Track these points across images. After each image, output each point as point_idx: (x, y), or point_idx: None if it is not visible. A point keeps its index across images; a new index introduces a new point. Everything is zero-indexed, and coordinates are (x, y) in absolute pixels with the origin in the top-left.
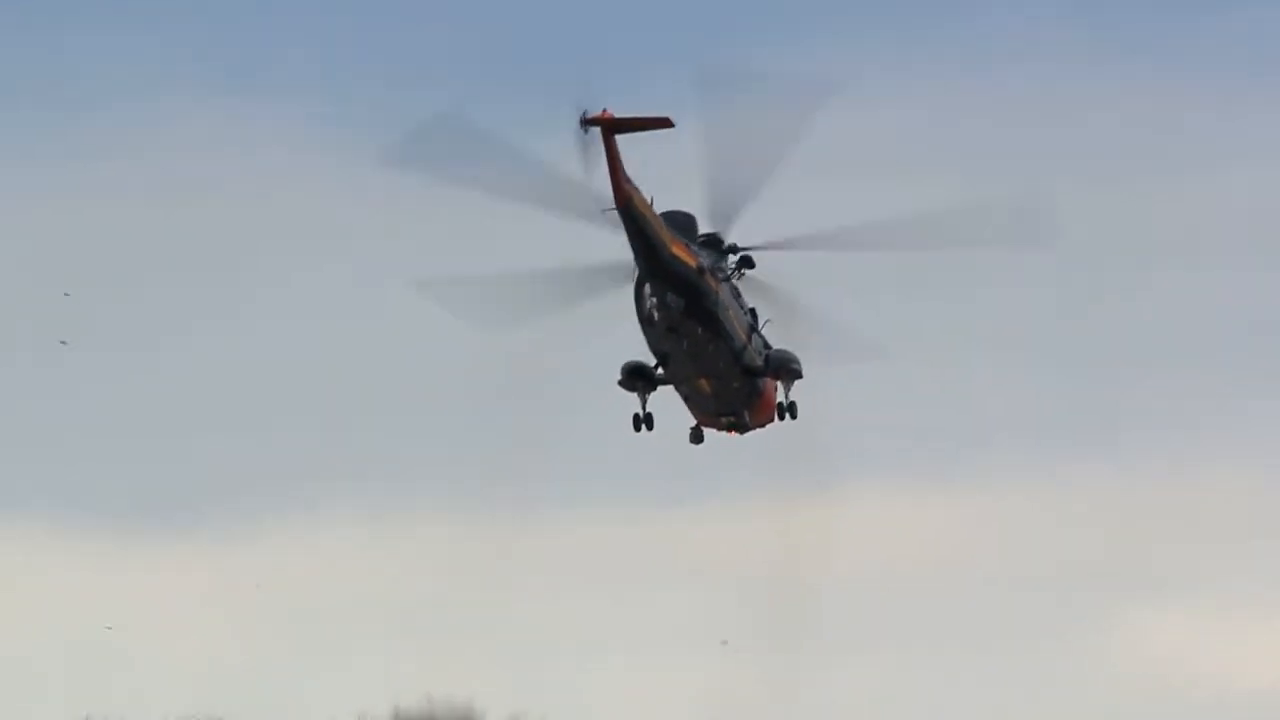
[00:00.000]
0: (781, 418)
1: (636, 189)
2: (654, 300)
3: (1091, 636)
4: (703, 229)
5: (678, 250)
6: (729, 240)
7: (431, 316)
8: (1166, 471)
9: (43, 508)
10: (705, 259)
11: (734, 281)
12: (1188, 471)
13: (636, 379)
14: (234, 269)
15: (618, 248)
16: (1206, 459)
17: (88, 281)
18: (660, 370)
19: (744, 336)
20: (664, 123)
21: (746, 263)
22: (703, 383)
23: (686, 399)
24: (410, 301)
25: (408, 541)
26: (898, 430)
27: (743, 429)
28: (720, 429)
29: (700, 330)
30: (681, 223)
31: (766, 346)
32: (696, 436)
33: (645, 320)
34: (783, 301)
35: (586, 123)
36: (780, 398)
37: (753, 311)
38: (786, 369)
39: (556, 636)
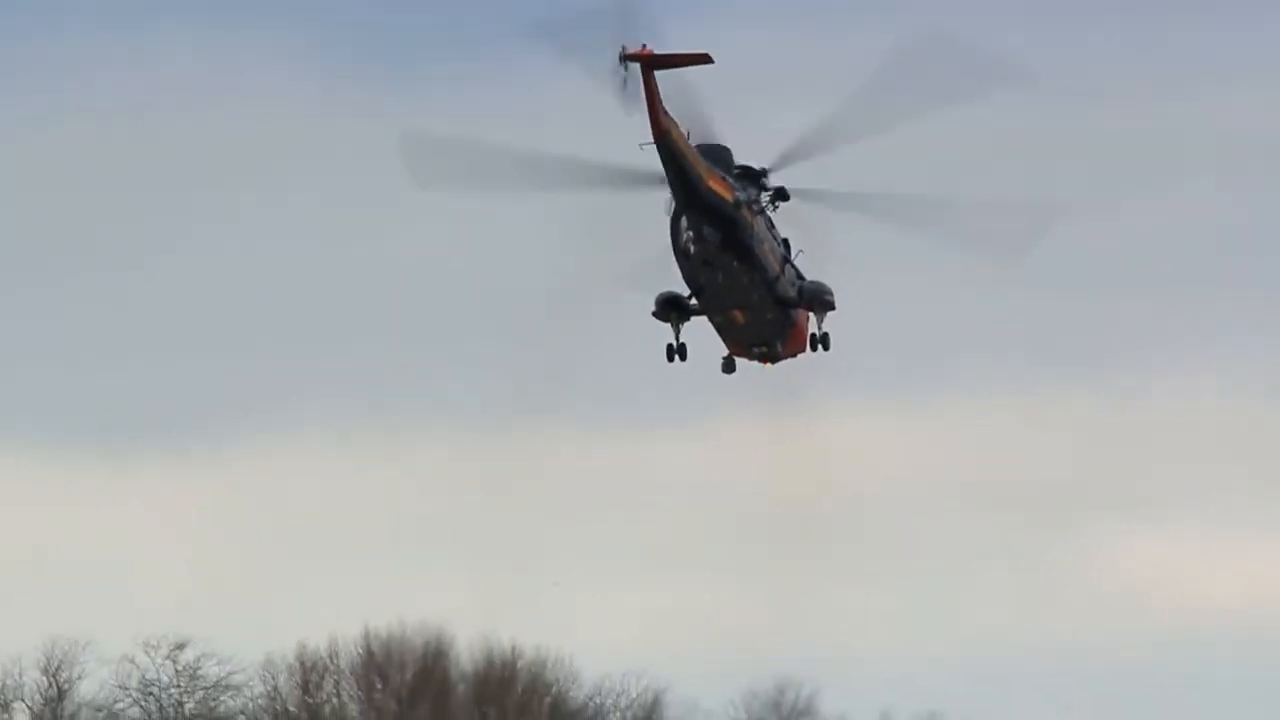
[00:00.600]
0: (814, 348)
1: (675, 123)
2: (690, 234)
3: (1064, 555)
4: (739, 160)
5: (714, 184)
6: (764, 171)
7: (420, 236)
8: (1141, 393)
9: (5, 428)
10: (741, 192)
11: (769, 213)
12: (1162, 393)
13: (670, 309)
14: (214, 190)
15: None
16: (1180, 381)
17: (55, 205)
18: (694, 301)
19: (777, 268)
20: (704, 58)
21: (781, 195)
22: (737, 314)
23: (720, 329)
24: (400, 224)
25: (381, 464)
26: (874, 350)
27: (775, 359)
28: (752, 358)
29: (735, 263)
30: (717, 155)
31: (800, 277)
32: (729, 366)
33: (681, 253)
34: (815, 231)
35: (626, 58)
36: (813, 329)
37: (785, 242)
38: (820, 300)
39: (529, 558)
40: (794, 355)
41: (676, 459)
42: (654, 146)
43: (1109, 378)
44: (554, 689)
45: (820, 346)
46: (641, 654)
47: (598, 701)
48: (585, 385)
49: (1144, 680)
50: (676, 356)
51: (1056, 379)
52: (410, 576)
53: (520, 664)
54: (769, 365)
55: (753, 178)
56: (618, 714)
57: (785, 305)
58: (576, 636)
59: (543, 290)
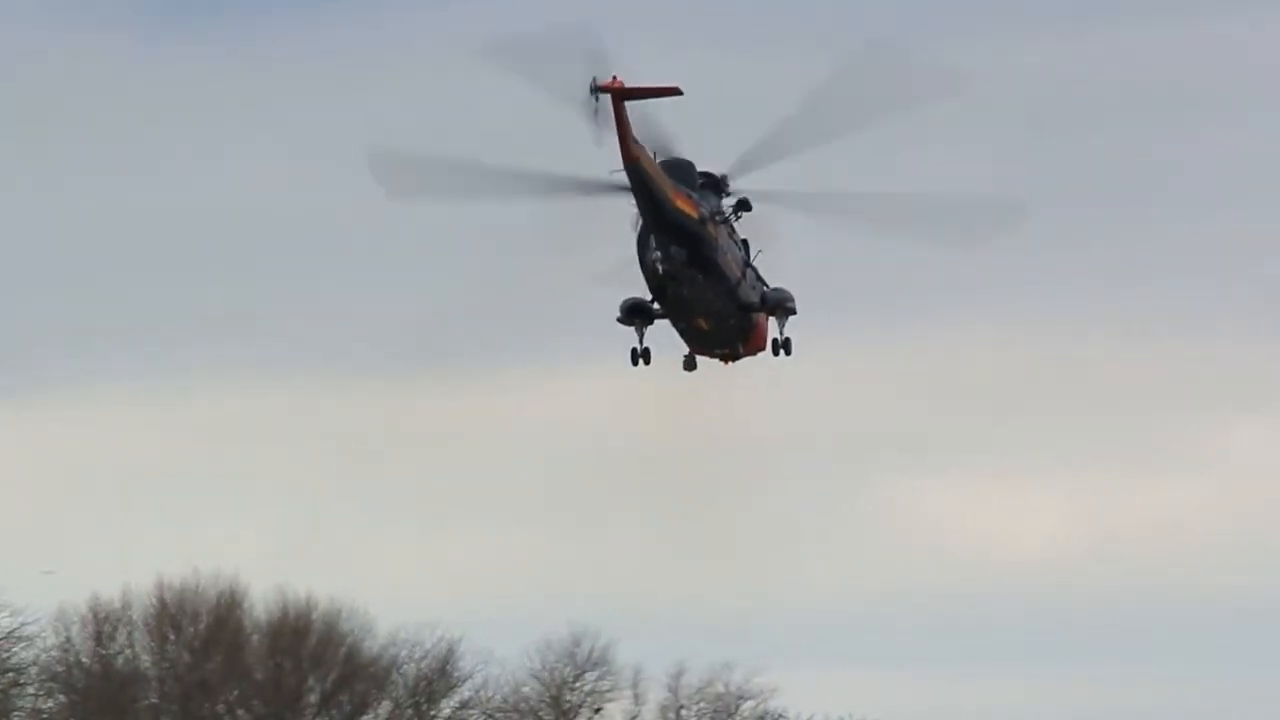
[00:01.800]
0: (776, 353)
1: (643, 149)
2: (658, 254)
3: (860, 505)
4: (701, 167)
5: (681, 203)
6: (724, 178)
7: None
8: (941, 342)
9: None
10: (705, 206)
11: (731, 222)
12: (961, 344)
13: (635, 315)
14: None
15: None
16: (981, 331)
17: None
18: (658, 306)
19: (739, 273)
20: (673, 91)
21: (744, 205)
22: (700, 321)
23: (682, 333)
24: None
25: (174, 413)
26: None
27: (736, 358)
28: (713, 357)
29: (701, 277)
30: (681, 170)
31: (759, 279)
32: (690, 364)
33: (648, 268)
34: (773, 231)
35: (596, 90)
36: (775, 334)
37: (745, 244)
38: (782, 307)
39: (322, 508)
40: (754, 354)
41: (478, 410)
42: (623, 172)
43: (910, 329)
44: (349, 639)
45: (783, 351)
46: (436, 604)
47: (392, 652)
48: (388, 339)
49: (943, 628)
50: (641, 360)
51: (850, 329)
52: (204, 526)
53: (315, 615)
54: (729, 364)
55: (714, 185)
56: (412, 665)
57: (747, 310)
58: (371, 587)
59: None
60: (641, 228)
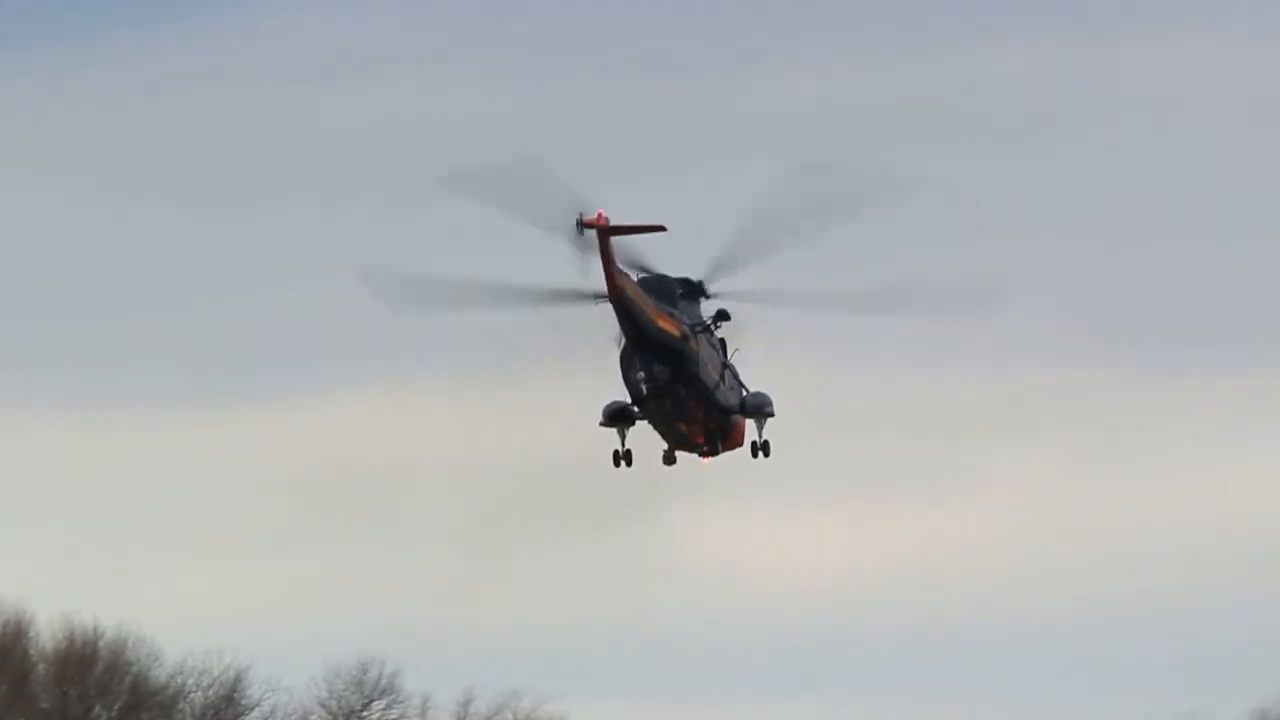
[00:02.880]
0: (755, 455)
1: (628, 279)
2: (642, 374)
3: (647, 534)
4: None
5: (664, 323)
6: (701, 283)
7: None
8: None
9: None
10: (686, 320)
11: (710, 328)
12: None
13: (618, 419)
14: None
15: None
16: (780, 360)
17: None
18: (638, 409)
19: (717, 377)
20: (657, 229)
21: (723, 316)
22: (681, 426)
23: (663, 434)
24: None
25: None
26: None
27: (715, 454)
28: (691, 451)
29: (683, 390)
30: (662, 288)
31: (736, 378)
32: (669, 459)
33: (631, 385)
34: (748, 328)
35: (582, 226)
36: (754, 436)
37: (723, 343)
38: (761, 412)
39: (111, 537)
40: (731, 450)
41: (262, 439)
42: (609, 302)
43: None
44: (135, 668)
45: (762, 453)
46: (224, 632)
47: (180, 680)
48: (178, 370)
49: (730, 658)
50: (623, 462)
51: None
52: None
53: (101, 643)
54: (708, 460)
55: (693, 291)
56: (200, 692)
57: (726, 413)
58: (159, 615)
59: None
60: (625, 345)
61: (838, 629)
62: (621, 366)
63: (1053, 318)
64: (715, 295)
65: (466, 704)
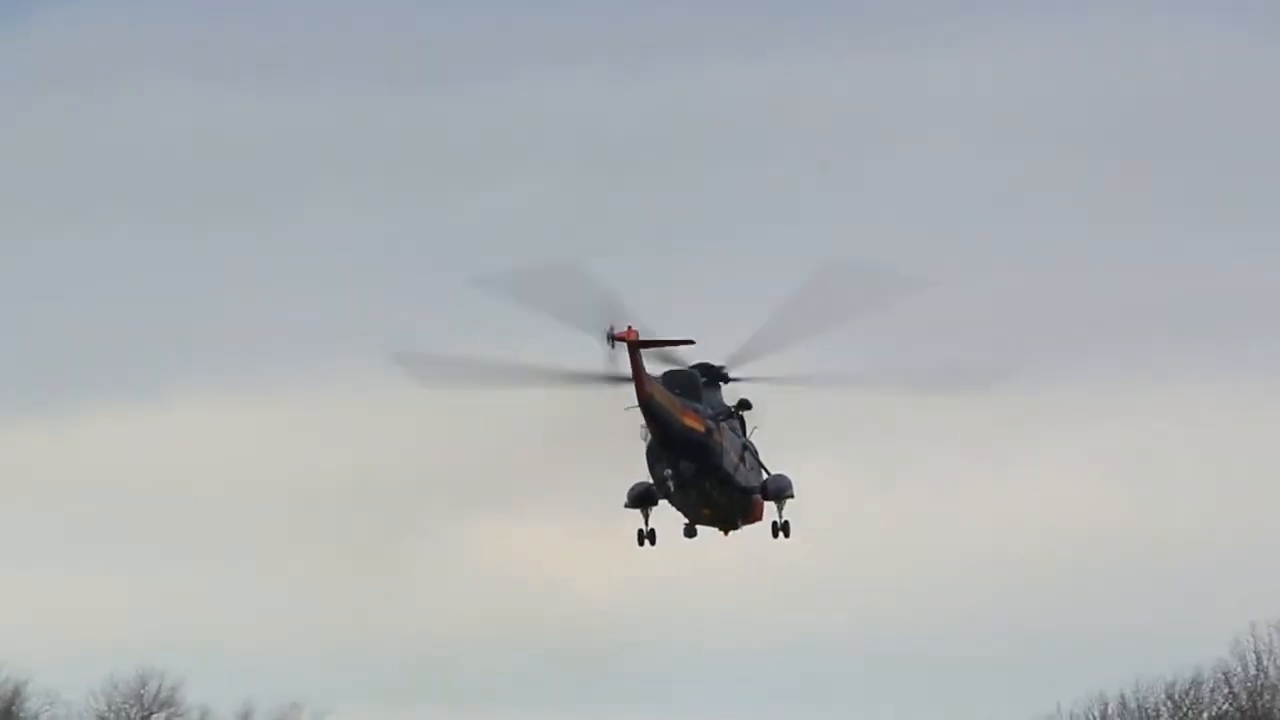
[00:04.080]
0: (776, 535)
1: (656, 384)
2: (669, 472)
3: (437, 548)
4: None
5: (690, 420)
6: (723, 370)
7: None
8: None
9: None
10: (709, 412)
11: (732, 416)
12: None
13: (643, 501)
14: None
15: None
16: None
17: None
18: (665, 498)
19: (738, 459)
20: (686, 342)
21: (744, 405)
22: (704, 510)
23: (685, 514)
24: None
25: None
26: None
27: (735, 528)
28: (711, 525)
29: (707, 483)
30: (687, 383)
31: (755, 455)
32: (690, 532)
33: (658, 480)
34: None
35: (613, 339)
36: (775, 517)
37: (741, 421)
38: (781, 496)
39: None
40: (751, 524)
41: (47, 453)
42: (638, 408)
43: None
44: None
45: (782, 534)
46: (2, 645)
47: None
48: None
49: (518, 667)
50: (647, 541)
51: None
52: None
53: None
54: (728, 534)
55: (715, 378)
56: None
57: (747, 493)
58: None
59: None
60: (651, 441)
61: (611, 640)
62: (649, 460)
63: None
64: (735, 379)
65: (246, 715)
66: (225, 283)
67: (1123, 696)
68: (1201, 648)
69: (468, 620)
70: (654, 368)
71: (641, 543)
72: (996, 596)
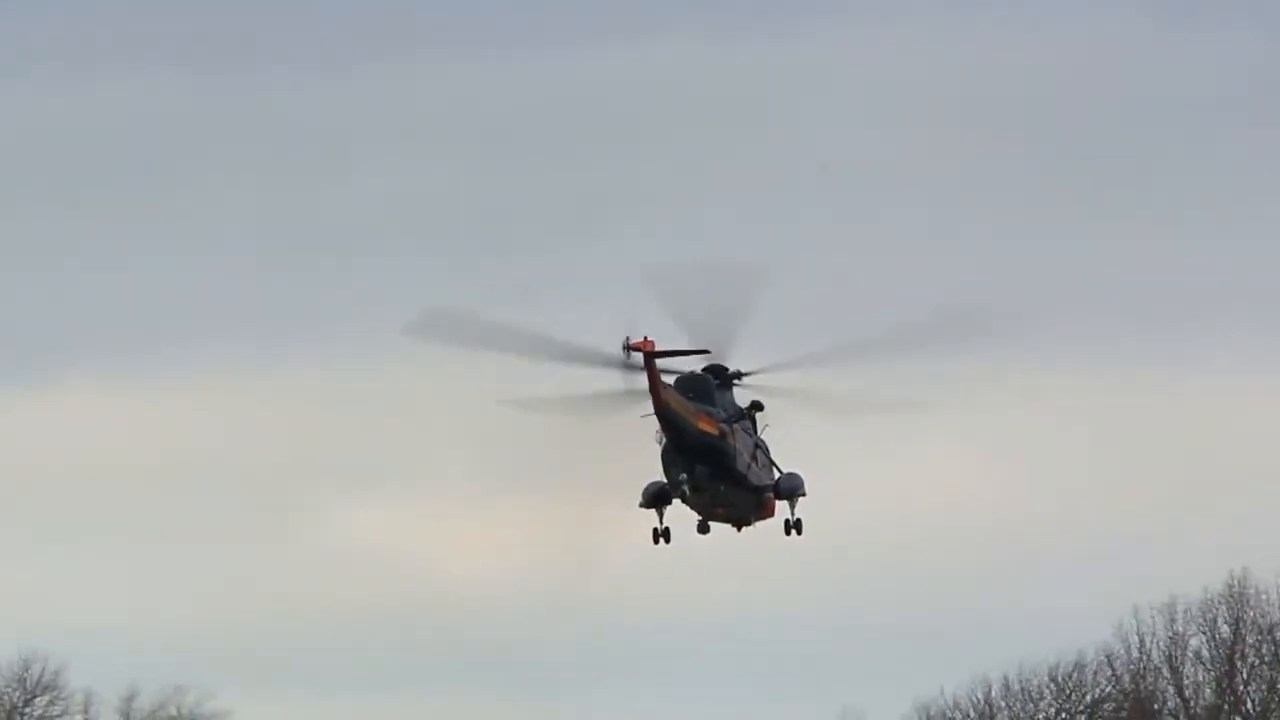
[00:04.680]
0: (789, 533)
1: (671, 392)
2: (684, 476)
3: (301, 528)
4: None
5: (704, 425)
6: (738, 373)
7: None
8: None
9: None
10: (723, 414)
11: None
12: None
13: (658, 500)
14: None
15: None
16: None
17: None
18: (679, 500)
19: (750, 459)
20: (702, 352)
21: (757, 406)
22: (718, 510)
23: (698, 512)
24: None
25: None
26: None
27: (747, 524)
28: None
29: (722, 485)
30: (699, 384)
31: (767, 454)
32: (703, 528)
33: (673, 483)
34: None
35: (629, 349)
36: (787, 514)
37: (753, 419)
38: (793, 495)
39: None
40: (764, 520)
41: None
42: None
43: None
44: None
45: (795, 531)
46: None
47: None
48: None
49: (392, 650)
50: (661, 539)
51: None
52: None
53: None
54: (741, 530)
55: (725, 380)
56: None
57: (759, 491)
58: None
59: None
60: (666, 444)
61: (506, 624)
62: (663, 464)
63: None
64: (746, 380)
65: (130, 700)
66: (82, 268)
67: (1006, 679)
68: (1085, 630)
69: (349, 603)
70: (666, 370)
71: (656, 541)
72: (879, 580)
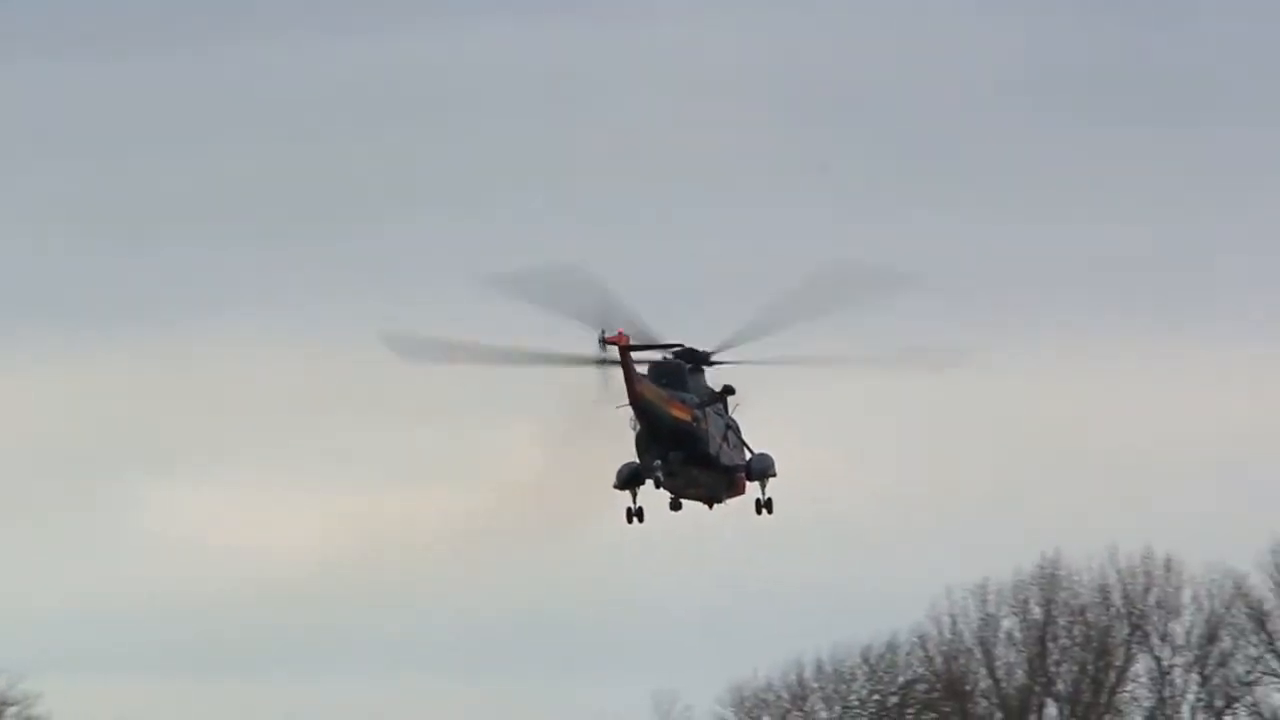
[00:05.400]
0: (760, 512)
1: (646, 383)
2: (659, 463)
3: (128, 509)
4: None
5: (678, 412)
6: (709, 355)
7: None
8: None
9: None
10: (695, 399)
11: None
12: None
13: (632, 482)
14: None
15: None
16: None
17: None
18: (653, 484)
19: (722, 440)
20: (674, 346)
21: (729, 390)
22: (690, 491)
23: (671, 492)
24: None
25: None
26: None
27: (719, 501)
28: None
29: (695, 469)
30: (672, 371)
31: (738, 433)
32: (676, 505)
33: (647, 469)
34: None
35: (604, 342)
36: (758, 494)
37: (725, 391)
38: (765, 475)
39: None
40: (735, 497)
41: None
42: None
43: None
44: None
45: (766, 510)
46: None
47: None
48: None
49: (204, 635)
50: (635, 519)
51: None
52: None
53: None
54: (712, 508)
55: (697, 363)
56: None
57: (730, 472)
58: None
59: None
60: (640, 431)
61: (314, 607)
62: (638, 449)
63: None
64: (717, 361)
65: None
66: None
67: (819, 660)
68: (898, 612)
69: (160, 586)
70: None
71: (630, 520)
72: (694, 560)
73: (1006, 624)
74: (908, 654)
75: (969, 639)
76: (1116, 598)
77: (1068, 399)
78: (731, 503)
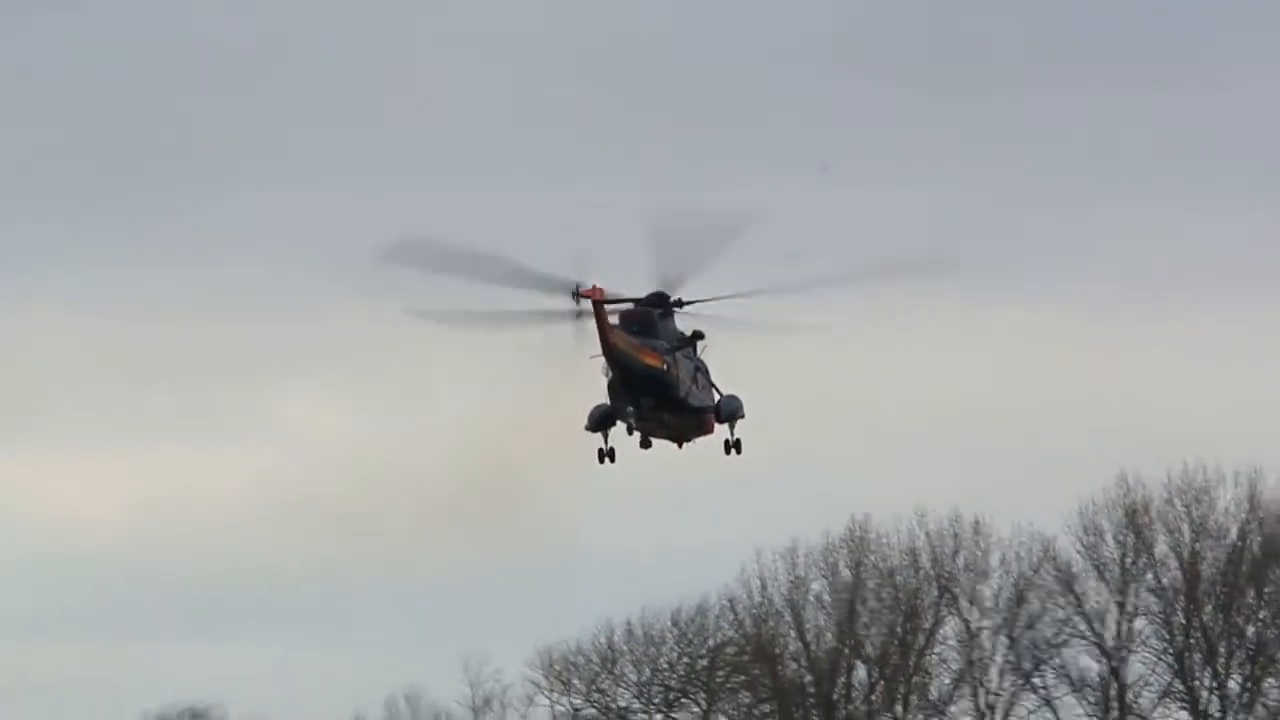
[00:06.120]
0: (729, 453)
1: (619, 334)
2: (631, 409)
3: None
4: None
5: (649, 359)
6: (679, 300)
7: None
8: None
9: None
10: (665, 345)
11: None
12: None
13: (604, 423)
14: None
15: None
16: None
17: None
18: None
19: (690, 384)
20: (649, 301)
21: (699, 335)
22: (661, 432)
23: (642, 432)
24: None
25: None
26: None
27: (688, 440)
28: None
29: (667, 413)
30: (644, 320)
31: (706, 375)
32: (645, 443)
33: (620, 414)
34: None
35: (578, 295)
36: (727, 435)
37: (693, 338)
38: (734, 418)
39: None
40: (703, 437)
41: None
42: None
43: None
44: None
45: (735, 450)
46: None
47: None
48: None
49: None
50: (607, 459)
51: None
52: None
53: None
54: (681, 447)
55: (668, 308)
56: None
57: (700, 413)
58: None
59: None
60: (613, 377)
61: (125, 569)
62: (610, 394)
63: None
64: (686, 306)
65: None
66: None
67: (629, 623)
68: (707, 574)
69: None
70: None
71: (602, 460)
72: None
73: (816, 586)
74: (717, 617)
75: (779, 601)
76: (925, 560)
77: (876, 363)
78: (699, 441)
